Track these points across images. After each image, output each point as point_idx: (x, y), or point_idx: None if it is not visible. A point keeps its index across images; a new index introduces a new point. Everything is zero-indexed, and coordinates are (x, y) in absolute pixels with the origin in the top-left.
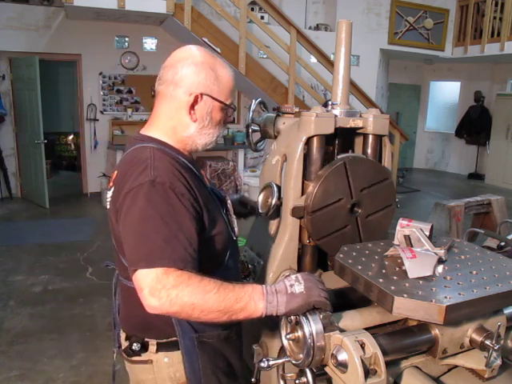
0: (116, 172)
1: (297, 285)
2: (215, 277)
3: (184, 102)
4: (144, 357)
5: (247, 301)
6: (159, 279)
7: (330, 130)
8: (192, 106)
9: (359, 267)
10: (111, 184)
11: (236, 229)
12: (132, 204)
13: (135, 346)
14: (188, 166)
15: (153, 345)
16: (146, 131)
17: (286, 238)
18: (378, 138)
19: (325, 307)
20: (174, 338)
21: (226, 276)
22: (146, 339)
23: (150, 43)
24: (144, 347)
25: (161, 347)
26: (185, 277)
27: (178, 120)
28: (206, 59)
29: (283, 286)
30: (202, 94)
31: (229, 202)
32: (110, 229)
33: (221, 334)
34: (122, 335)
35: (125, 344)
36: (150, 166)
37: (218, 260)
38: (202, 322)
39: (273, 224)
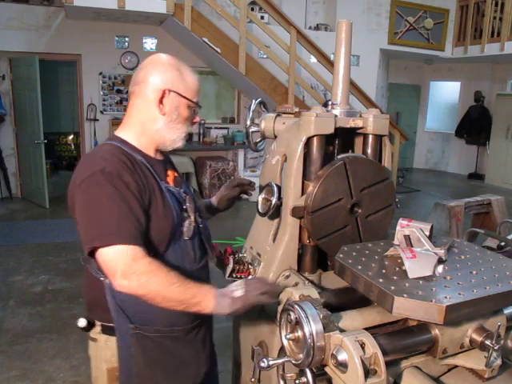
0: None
1: (239, 289)
2: None
3: (153, 97)
4: (92, 334)
5: (201, 299)
6: (130, 265)
7: (330, 130)
8: (160, 101)
9: (359, 267)
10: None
11: (186, 229)
12: (85, 192)
13: (81, 323)
14: (143, 163)
15: (98, 325)
16: (118, 131)
17: (285, 238)
18: (378, 138)
19: (267, 302)
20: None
21: None
22: (95, 321)
23: (149, 43)
24: (90, 325)
25: (104, 329)
26: (154, 266)
27: (148, 114)
28: (173, 62)
29: (228, 291)
30: (169, 90)
31: (188, 204)
32: None
33: (161, 330)
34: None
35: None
36: (100, 158)
37: (154, 251)
38: (144, 317)
39: (273, 224)
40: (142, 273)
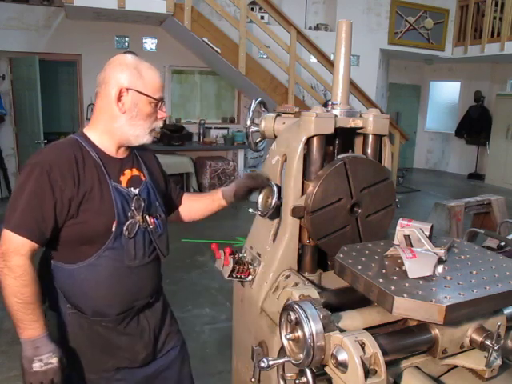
0: None
1: (37, 362)
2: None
3: (112, 96)
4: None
5: (24, 329)
6: (7, 253)
7: (330, 130)
8: (119, 99)
9: (359, 267)
10: None
11: (126, 228)
12: (18, 177)
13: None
14: (95, 160)
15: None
16: (85, 129)
17: (285, 237)
18: (378, 138)
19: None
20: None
21: (97, 267)
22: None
23: (149, 43)
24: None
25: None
26: (21, 270)
27: (109, 113)
28: (131, 61)
29: (27, 356)
30: (127, 89)
31: (133, 204)
32: None
33: (90, 318)
34: None
35: None
36: (48, 148)
37: (90, 246)
38: (76, 301)
39: (273, 224)
40: (9, 266)
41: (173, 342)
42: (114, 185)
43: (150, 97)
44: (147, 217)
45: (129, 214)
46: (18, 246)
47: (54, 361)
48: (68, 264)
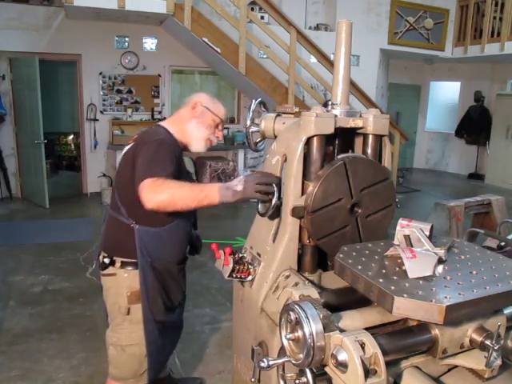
0: (136, 136)
1: (239, 184)
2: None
3: (190, 106)
4: (111, 270)
5: (208, 192)
6: (154, 181)
7: (330, 130)
8: (193, 108)
9: (359, 267)
10: (131, 141)
11: None
12: (148, 149)
13: (106, 260)
14: (178, 146)
15: (118, 262)
16: (164, 123)
17: (285, 237)
18: (378, 138)
19: (260, 198)
20: (133, 260)
21: (174, 232)
22: (115, 258)
23: (149, 43)
24: (112, 263)
25: (123, 265)
26: (168, 180)
27: (185, 116)
28: (208, 95)
29: (231, 185)
30: (201, 104)
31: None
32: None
33: (167, 264)
34: (101, 256)
35: (101, 260)
36: (160, 134)
37: (170, 216)
38: (155, 255)
39: (273, 224)
40: (162, 183)
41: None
42: (183, 165)
43: (213, 113)
44: None
45: None
46: (160, 180)
47: (240, 186)
48: (154, 227)
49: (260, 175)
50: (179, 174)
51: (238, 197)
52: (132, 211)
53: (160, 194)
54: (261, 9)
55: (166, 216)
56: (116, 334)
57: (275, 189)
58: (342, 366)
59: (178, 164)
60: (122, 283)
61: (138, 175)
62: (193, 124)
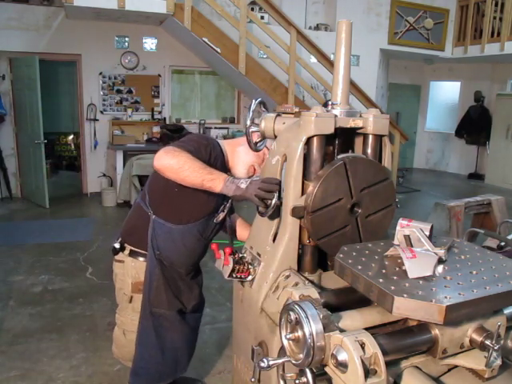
0: None
1: (244, 183)
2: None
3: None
4: (120, 257)
5: (216, 177)
6: (170, 148)
7: (330, 130)
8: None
9: (359, 267)
10: None
11: (217, 216)
12: (187, 135)
13: (117, 244)
14: (223, 160)
15: (127, 249)
16: (224, 141)
17: (285, 237)
18: (378, 138)
19: (256, 203)
20: (142, 251)
21: (186, 234)
22: (126, 244)
23: (149, 43)
24: (122, 249)
25: (131, 253)
26: (186, 152)
27: (241, 140)
28: None
29: (236, 180)
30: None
31: (227, 204)
32: (111, 226)
33: (173, 264)
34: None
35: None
36: (212, 139)
37: (191, 216)
38: (164, 251)
39: (273, 224)
40: (176, 150)
41: (203, 307)
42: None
43: (267, 147)
44: (228, 215)
45: (220, 208)
46: (177, 149)
47: (245, 184)
48: (169, 223)
49: (264, 181)
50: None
51: (238, 193)
52: (153, 201)
53: (172, 157)
54: (261, 9)
55: (184, 216)
56: (120, 317)
57: (275, 196)
58: (342, 366)
59: (211, 165)
60: (128, 271)
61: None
62: (243, 148)
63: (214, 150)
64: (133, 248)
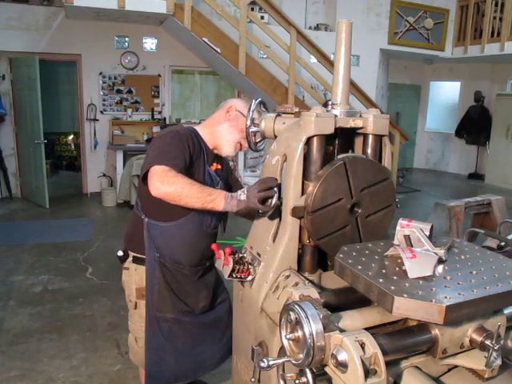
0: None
1: (242, 194)
2: (177, 224)
3: (224, 110)
4: (125, 264)
5: (215, 197)
6: (165, 172)
7: (330, 130)
8: (227, 111)
9: (359, 267)
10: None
11: None
12: (161, 138)
13: (120, 253)
14: (201, 147)
15: (131, 256)
16: (196, 126)
17: (285, 237)
18: (378, 138)
19: (263, 209)
20: (144, 256)
21: (182, 230)
22: (129, 251)
23: (149, 43)
24: (125, 256)
25: (134, 259)
26: (180, 176)
27: (218, 119)
28: (243, 101)
29: (235, 195)
30: (235, 108)
31: (218, 187)
32: (111, 226)
33: (176, 264)
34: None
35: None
36: (178, 127)
37: (182, 209)
38: (165, 251)
39: (273, 224)
40: (172, 177)
41: (223, 296)
42: (207, 168)
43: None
44: None
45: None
46: (168, 169)
47: (244, 196)
48: (162, 222)
49: (260, 182)
50: (191, 167)
51: (242, 206)
52: (144, 205)
53: (168, 185)
54: (261, 9)
55: (174, 212)
56: (131, 324)
57: (275, 196)
58: (342, 366)
59: (192, 157)
60: (132, 277)
61: (146, 161)
62: (225, 126)
63: (189, 139)
64: (135, 254)
